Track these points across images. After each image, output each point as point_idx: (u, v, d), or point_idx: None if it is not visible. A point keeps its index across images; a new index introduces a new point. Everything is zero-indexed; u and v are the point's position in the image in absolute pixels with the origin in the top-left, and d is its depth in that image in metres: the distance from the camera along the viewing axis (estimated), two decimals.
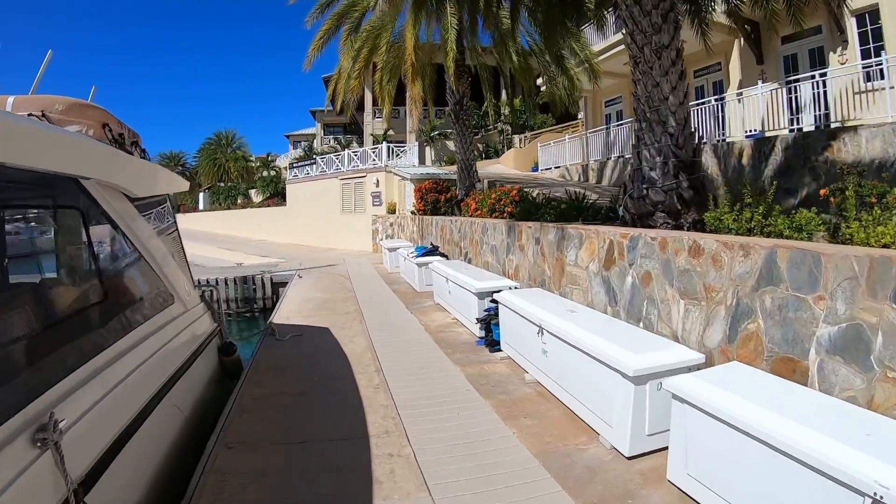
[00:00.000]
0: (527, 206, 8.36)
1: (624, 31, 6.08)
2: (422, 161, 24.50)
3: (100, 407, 2.76)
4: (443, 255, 11.26)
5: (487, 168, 22.53)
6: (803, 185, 9.25)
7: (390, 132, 28.21)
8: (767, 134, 10.94)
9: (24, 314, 2.84)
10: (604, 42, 15.40)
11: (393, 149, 22.32)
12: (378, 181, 20.77)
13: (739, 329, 3.64)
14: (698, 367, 3.58)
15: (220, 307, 6.83)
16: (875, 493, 2.02)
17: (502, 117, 27.16)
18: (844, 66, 10.71)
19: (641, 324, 4.68)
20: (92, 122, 3.98)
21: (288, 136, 49.13)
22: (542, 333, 4.70)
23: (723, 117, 12.38)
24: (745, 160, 10.80)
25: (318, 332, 7.42)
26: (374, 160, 21.93)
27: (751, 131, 11.61)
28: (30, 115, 3.40)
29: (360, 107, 29.63)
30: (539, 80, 17.44)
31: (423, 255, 11.09)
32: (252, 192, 41.44)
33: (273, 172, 42.07)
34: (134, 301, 4.10)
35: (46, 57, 4.23)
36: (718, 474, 2.83)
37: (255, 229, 30.64)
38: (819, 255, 3.09)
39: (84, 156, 3.31)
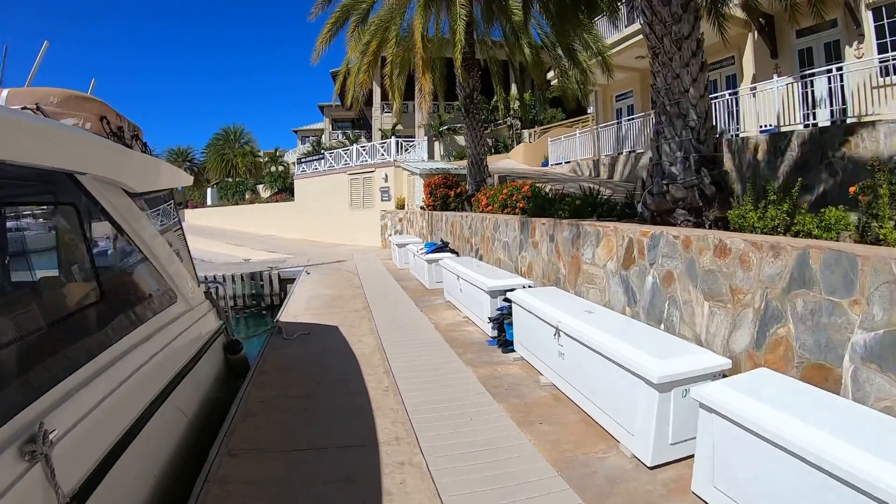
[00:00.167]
0: (539, 202, 8.15)
1: (641, 22, 5.89)
2: (431, 156, 24.32)
3: (95, 414, 2.62)
4: (453, 251, 11.13)
5: (497, 163, 22.34)
6: (820, 181, 9.02)
7: (399, 127, 28.07)
8: (783, 129, 10.69)
9: (15, 316, 2.70)
10: (617, 34, 15.13)
11: (402, 143, 22.18)
12: (387, 176, 20.61)
13: (768, 333, 3.46)
14: (723, 374, 3.42)
15: (226, 304, 6.72)
16: None
17: (511, 112, 26.89)
18: (861, 60, 10.48)
19: (662, 326, 4.50)
20: (89, 115, 3.85)
21: (296, 132, 49.20)
22: (559, 335, 4.52)
23: (737, 112, 12.15)
24: (760, 155, 10.53)
25: (326, 331, 7.30)
26: (382, 155, 21.80)
27: (765, 126, 11.36)
28: (24, 108, 3.26)
29: (369, 101, 29.49)
30: (550, 74, 17.19)
31: (433, 251, 10.97)
32: (260, 187, 41.50)
33: (281, 168, 42.03)
34: (133, 300, 3.96)
35: (42, 48, 4.10)
36: (748, 488, 2.69)
37: (263, 225, 30.70)
38: (855, 257, 2.92)
39: (79, 150, 3.16)
